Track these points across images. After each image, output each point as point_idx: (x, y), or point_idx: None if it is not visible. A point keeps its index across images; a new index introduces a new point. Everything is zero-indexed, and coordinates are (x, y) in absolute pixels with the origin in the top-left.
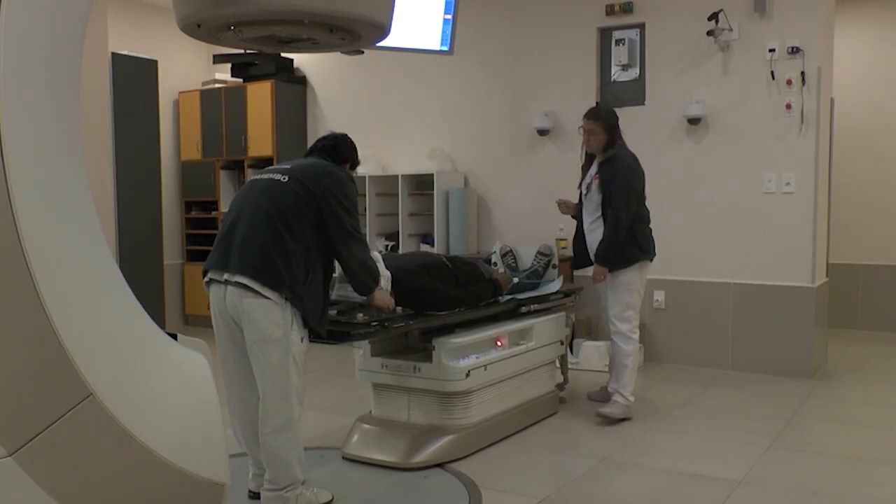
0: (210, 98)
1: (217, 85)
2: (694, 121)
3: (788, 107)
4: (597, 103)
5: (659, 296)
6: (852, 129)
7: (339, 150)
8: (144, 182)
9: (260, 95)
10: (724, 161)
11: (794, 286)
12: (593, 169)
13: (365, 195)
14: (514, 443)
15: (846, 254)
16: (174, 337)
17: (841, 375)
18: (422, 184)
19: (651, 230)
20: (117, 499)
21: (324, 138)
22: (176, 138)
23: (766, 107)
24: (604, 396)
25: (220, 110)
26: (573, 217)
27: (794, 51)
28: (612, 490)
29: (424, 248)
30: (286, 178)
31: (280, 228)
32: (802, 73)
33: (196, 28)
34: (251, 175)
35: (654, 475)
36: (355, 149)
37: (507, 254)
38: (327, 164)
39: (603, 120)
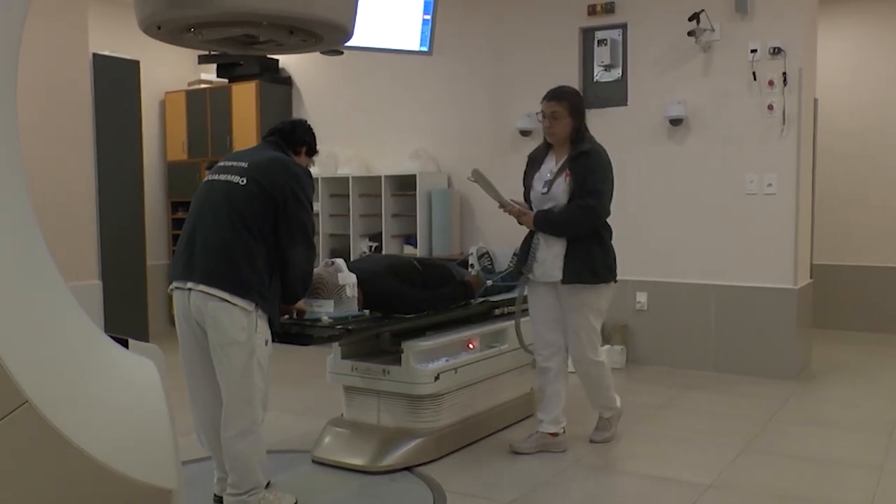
0: (195, 98)
1: (203, 85)
2: (676, 121)
3: (770, 108)
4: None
5: (641, 297)
6: (837, 129)
7: (296, 133)
8: (127, 183)
9: (245, 96)
10: (706, 162)
11: (776, 288)
12: (552, 163)
13: (349, 196)
14: (485, 446)
15: (832, 254)
16: (125, 342)
17: (824, 377)
18: (405, 184)
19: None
20: None
21: (281, 123)
22: (162, 139)
23: (747, 107)
24: (533, 443)
25: (205, 110)
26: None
27: (776, 51)
28: (577, 495)
29: (407, 249)
30: (244, 181)
31: (242, 232)
32: (784, 73)
33: (157, 30)
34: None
35: (622, 479)
36: (313, 133)
37: (484, 255)
38: (284, 160)
39: (568, 101)
